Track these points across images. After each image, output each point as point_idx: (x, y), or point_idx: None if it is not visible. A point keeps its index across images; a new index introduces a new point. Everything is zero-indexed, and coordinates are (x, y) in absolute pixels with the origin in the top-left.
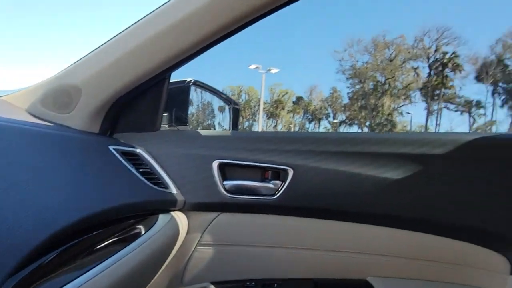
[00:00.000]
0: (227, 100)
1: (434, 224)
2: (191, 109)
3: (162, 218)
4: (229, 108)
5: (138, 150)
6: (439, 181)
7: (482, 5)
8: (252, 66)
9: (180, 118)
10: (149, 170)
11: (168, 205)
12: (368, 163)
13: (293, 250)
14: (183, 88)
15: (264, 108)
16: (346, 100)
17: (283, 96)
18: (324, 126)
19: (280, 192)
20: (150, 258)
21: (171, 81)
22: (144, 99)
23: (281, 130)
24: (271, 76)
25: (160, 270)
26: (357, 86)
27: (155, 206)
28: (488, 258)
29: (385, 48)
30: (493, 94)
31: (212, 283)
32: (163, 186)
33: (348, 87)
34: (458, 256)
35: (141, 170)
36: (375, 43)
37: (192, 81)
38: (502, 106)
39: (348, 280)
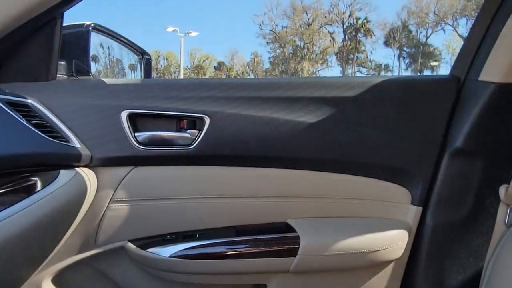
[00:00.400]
0: (137, 50)
1: (346, 164)
2: (97, 66)
3: (64, 174)
4: (140, 59)
5: (30, 101)
6: (350, 122)
7: None
8: (170, 29)
9: (81, 68)
10: (44, 122)
11: (71, 160)
12: (285, 107)
13: (213, 200)
14: (82, 34)
15: (184, 74)
16: (267, 65)
17: (204, 61)
18: None
19: (197, 141)
20: (52, 217)
21: (66, 24)
22: (33, 43)
23: None
24: (191, 40)
25: (69, 232)
26: (278, 51)
27: (54, 160)
28: (393, 192)
29: (303, 13)
30: (399, 57)
31: (130, 241)
32: (64, 140)
33: (268, 51)
34: (368, 192)
35: (33, 122)
36: (294, 6)
37: (92, 25)
38: (406, 69)
39: (269, 224)
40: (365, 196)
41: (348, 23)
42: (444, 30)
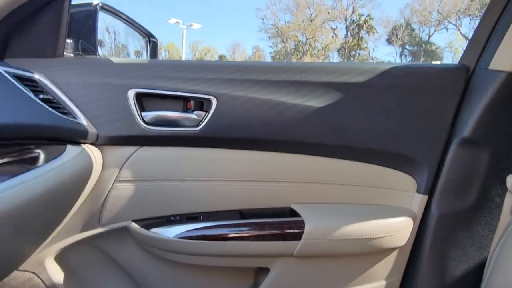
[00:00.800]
0: (143, 32)
1: (352, 150)
2: (103, 51)
3: (71, 150)
4: (146, 41)
5: (37, 76)
6: (358, 108)
7: None
8: (172, 21)
9: (87, 47)
10: (51, 98)
11: (77, 136)
12: (293, 91)
13: (218, 183)
14: (90, 12)
15: None
16: (268, 59)
17: (205, 54)
18: None
19: (204, 122)
20: (57, 192)
21: (74, 3)
22: (40, 19)
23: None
24: (193, 32)
25: (74, 209)
26: (279, 46)
27: (61, 134)
28: (399, 179)
29: (306, 8)
30: (401, 55)
31: (134, 221)
32: (71, 116)
33: (270, 46)
34: (374, 179)
35: (41, 97)
36: (297, 2)
37: (100, 4)
38: None
39: (273, 209)
40: (370, 183)
41: (351, 19)
42: (447, 29)
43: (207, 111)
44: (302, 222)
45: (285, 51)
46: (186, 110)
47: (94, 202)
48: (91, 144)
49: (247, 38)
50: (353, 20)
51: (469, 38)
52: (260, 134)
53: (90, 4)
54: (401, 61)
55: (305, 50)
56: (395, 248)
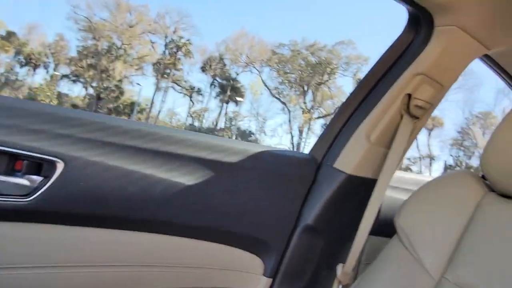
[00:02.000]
0: None
1: (211, 231)
2: None
3: None
4: None
5: None
6: (224, 188)
7: (222, 4)
8: None
9: None
10: None
11: None
12: (162, 163)
13: (51, 270)
14: None
15: None
16: (73, 53)
17: None
18: (41, 76)
19: (40, 192)
20: None
21: None
22: None
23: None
24: None
25: None
26: (89, 42)
27: None
28: (249, 262)
29: (127, 12)
30: (211, 85)
31: None
32: None
33: (78, 39)
34: (226, 261)
35: None
36: (118, 2)
37: None
38: (215, 97)
39: None
40: (224, 265)
41: (171, 38)
42: (251, 72)
43: (48, 177)
44: None
45: (95, 49)
46: (13, 171)
47: None
48: None
49: (50, 22)
50: (173, 40)
51: (267, 85)
52: (116, 211)
53: None
54: (210, 90)
55: (118, 55)
56: None
